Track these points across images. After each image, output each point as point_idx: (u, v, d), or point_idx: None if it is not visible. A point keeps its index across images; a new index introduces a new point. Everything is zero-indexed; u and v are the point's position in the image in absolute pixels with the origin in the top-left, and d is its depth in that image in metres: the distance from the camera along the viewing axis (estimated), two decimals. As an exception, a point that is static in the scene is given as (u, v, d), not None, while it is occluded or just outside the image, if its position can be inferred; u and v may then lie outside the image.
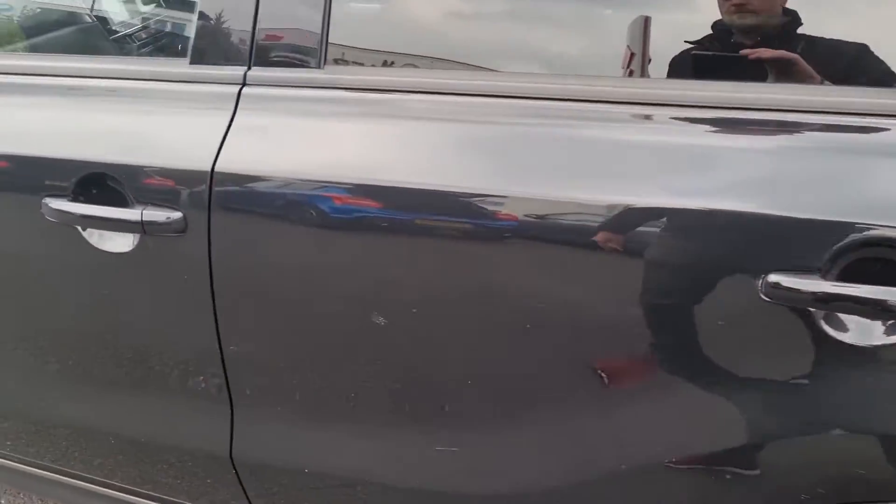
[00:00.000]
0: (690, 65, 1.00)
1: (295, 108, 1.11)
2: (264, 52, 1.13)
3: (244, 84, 1.13)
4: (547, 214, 0.95)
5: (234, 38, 1.14)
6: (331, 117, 1.10)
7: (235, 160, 1.08)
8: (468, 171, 1.00)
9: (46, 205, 1.16)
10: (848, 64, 0.97)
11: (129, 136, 1.16)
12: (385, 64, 1.13)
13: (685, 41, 1.01)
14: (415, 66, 1.14)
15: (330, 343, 1.11)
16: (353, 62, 1.15)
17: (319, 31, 1.10)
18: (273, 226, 1.08)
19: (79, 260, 1.20)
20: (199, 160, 1.09)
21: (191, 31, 1.18)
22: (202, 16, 1.17)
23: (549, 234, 0.95)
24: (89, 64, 1.28)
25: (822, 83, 0.95)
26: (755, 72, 0.97)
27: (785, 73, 0.96)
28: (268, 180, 1.07)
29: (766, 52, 0.97)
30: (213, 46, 1.16)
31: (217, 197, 1.08)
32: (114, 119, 1.20)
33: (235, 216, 1.09)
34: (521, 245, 0.97)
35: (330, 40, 1.11)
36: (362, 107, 1.09)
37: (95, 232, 1.17)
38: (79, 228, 1.17)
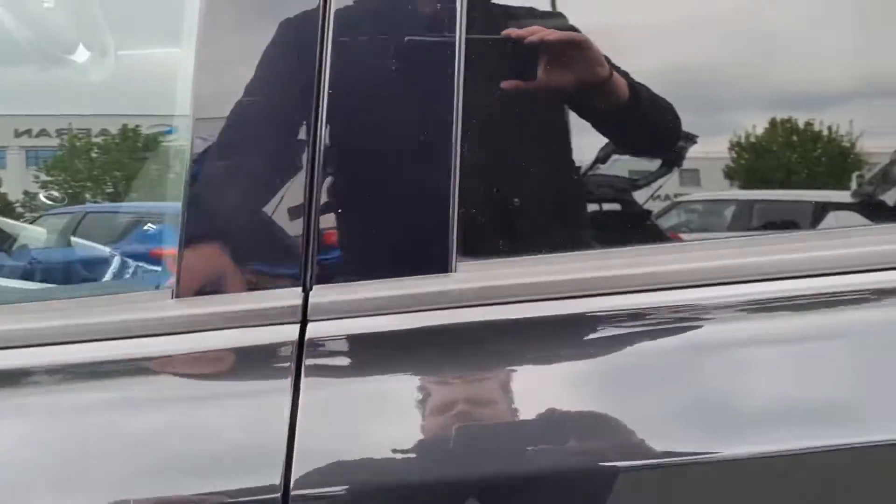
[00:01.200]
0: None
1: (413, 353, 0.59)
2: (337, 254, 0.61)
3: (306, 319, 0.59)
4: None
5: (276, 235, 0.60)
6: (489, 362, 0.59)
7: (323, 470, 0.55)
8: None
9: None
10: None
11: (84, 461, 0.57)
12: (562, 248, 0.64)
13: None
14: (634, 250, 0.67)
15: None
16: (502, 256, 0.65)
17: (447, 207, 0.60)
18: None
19: None
20: (246, 482, 0.54)
21: (170, 233, 0.62)
22: (194, 197, 0.61)
23: None
24: None
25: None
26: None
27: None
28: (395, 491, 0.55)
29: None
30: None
31: None
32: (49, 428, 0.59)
33: None
34: None
35: (463, 224, 0.61)
36: (545, 333, 0.60)
37: None
38: None
